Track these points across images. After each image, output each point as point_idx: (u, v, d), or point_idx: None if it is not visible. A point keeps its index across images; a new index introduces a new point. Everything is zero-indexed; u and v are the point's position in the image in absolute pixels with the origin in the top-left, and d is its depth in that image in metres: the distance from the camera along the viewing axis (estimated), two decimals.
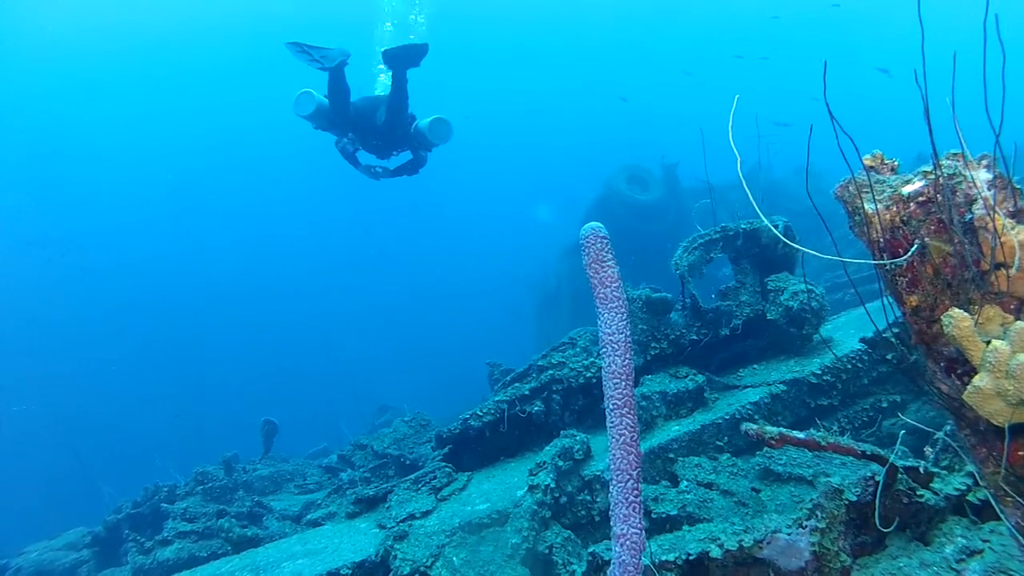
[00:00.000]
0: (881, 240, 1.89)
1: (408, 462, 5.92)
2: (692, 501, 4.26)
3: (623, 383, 2.17)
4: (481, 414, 4.99)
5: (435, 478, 4.78)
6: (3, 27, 33.69)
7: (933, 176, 1.83)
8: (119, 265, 41.27)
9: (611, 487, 2.10)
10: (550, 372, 5.13)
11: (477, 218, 46.84)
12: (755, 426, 2.64)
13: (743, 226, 5.60)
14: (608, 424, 2.16)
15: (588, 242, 2.41)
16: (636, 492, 2.07)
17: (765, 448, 4.68)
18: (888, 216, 1.89)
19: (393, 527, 4.38)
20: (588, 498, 4.33)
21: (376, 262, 42.47)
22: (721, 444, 4.66)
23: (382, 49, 7.71)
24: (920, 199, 1.86)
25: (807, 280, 5.50)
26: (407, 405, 11.35)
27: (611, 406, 2.16)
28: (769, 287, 5.43)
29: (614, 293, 2.30)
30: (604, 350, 2.24)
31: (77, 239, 40.41)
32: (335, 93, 7.97)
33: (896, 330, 4.99)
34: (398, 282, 41.05)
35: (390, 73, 8.00)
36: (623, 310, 2.28)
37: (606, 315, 2.27)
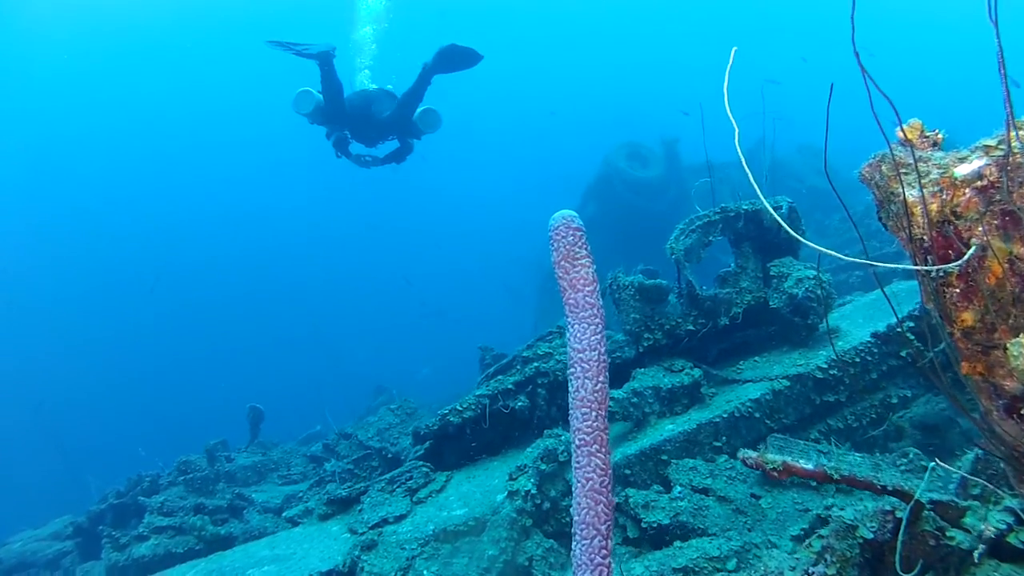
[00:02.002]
0: (925, 238, 1.40)
1: (390, 455, 5.50)
2: (686, 509, 3.81)
3: (593, 413, 1.70)
4: (461, 409, 4.55)
5: (411, 478, 4.36)
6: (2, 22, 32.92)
7: (1000, 151, 1.33)
8: (101, 249, 40.46)
9: (574, 544, 1.65)
10: (535, 364, 4.67)
11: (478, 196, 45.96)
12: (754, 454, 2.19)
13: (744, 207, 5.07)
14: (574, 464, 1.70)
15: (558, 234, 1.92)
16: (605, 552, 1.61)
17: (766, 447, 4.24)
18: (935, 206, 1.40)
19: (364, 533, 3.97)
20: None
21: (373, 241, 41.75)
22: (719, 445, 4.20)
23: (448, 43, 7.86)
24: (979, 184, 1.37)
25: (814, 264, 5.01)
26: (402, 388, 10.94)
27: (578, 442, 1.70)
28: (772, 273, 4.92)
29: (587, 299, 1.82)
30: (572, 370, 1.77)
31: (62, 225, 39.76)
32: (329, 88, 8.03)
33: (911, 323, 4.52)
34: (397, 262, 40.42)
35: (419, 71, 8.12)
36: (598, 320, 1.80)
37: (577, 326, 1.80)
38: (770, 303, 4.81)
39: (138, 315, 36.05)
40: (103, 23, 37.29)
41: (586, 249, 1.90)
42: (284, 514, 5.45)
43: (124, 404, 28.58)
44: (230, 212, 43.79)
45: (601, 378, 1.74)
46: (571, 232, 1.89)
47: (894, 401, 4.68)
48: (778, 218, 2.13)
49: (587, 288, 1.82)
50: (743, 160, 1.43)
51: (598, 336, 1.77)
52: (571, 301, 1.82)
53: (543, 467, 3.88)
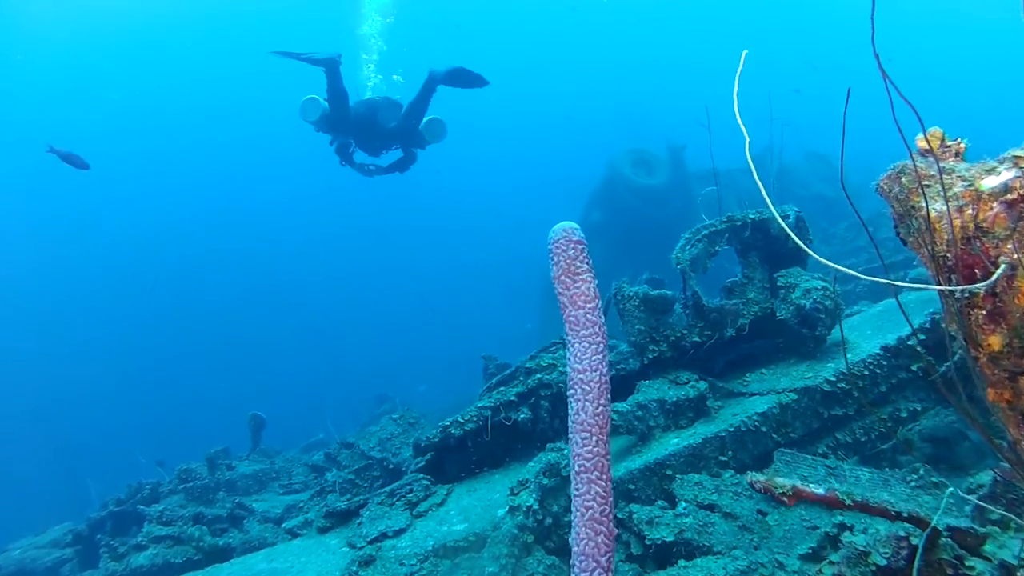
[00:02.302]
0: (949, 256, 1.30)
1: (392, 466, 5.41)
2: (691, 525, 3.70)
3: (594, 438, 1.60)
4: (462, 421, 4.45)
5: (411, 491, 4.26)
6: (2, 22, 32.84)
7: None
8: (105, 251, 40.21)
9: None
10: (538, 376, 4.57)
11: (483, 200, 45.71)
12: (763, 477, 2.08)
13: (751, 216, 4.96)
14: (573, 492, 1.60)
15: (558, 248, 1.82)
16: None
17: (773, 462, 4.12)
18: (960, 221, 1.30)
19: (362, 547, 3.88)
20: None
21: (378, 245, 41.51)
22: (724, 459, 4.08)
23: (459, 66, 8.14)
24: (1008, 198, 1.27)
25: (822, 275, 4.90)
26: (405, 396, 10.85)
27: (578, 468, 1.60)
28: (779, 283, 4.81)
29: (589, 316, 1.73)
30: (572, 392, 1.68)
31: (61, 226, 39.51)
32: (335, 96, 8.09)
33: (922, 336, 4.40)
34: (403, 266, 40.19)
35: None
36: (599, 339, 1.71)
37: (577, 345, 1.70)
38: (777, 314, 4.69)
39: (142, 318, 35.90)
40: (103, 23, 37.02)
41: (588, 263, 1.81)
42: (284, 525, 5.36)
43: (128, 409, 28.41)
44: (234, 216, 43.60)
45: (603, 400, 1.64)
46: (572, 245, 1.80)
47: (904, 415, 4.56)
48: (790, 232, 2.03)
49: (588, 305, 1.73)
50: (753, 169, 1.34)
51: (600, 356, 1.67)
52: (571, 318, 1.72)
53: (545, 482, 3.78)
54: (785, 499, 2.01)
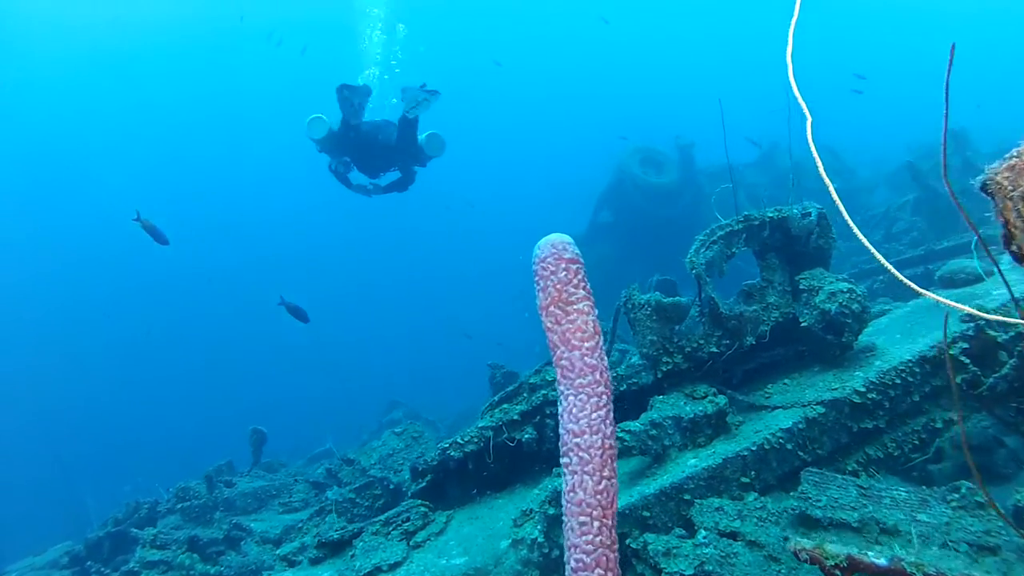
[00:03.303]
0: None
1: (392, 485, 5.01)
2: (712, 557, 3.26)
3: (596, 523, 1.18)
4: (462, 443, 4.04)
5: (408, 520, 3.86)
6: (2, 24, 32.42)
7: None
8: (106, 262, 39.51)
9: None
10: (543, 392, 4.15)
11: (490, 201, 45.00)
12: (810, 544, 1.65)
13: (769, 214, 4.51)
14: None
15: (546, 268, 1.40)
16: None
17: (800, 484, 3.68)
18: None
19: None
20: None
21: (383, 251, 40.92)
22: (747, 481, 3.65)
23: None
24: None
25: (846, 276, 4.44)
26: (416, 403, 10.46)
27: (574, 564, 1.18)
28: (801, 286, 4.35)
29: (587, 359, 1.30)
30: (567, 461, 1.25)
31: (64, 235, 39.11)
32: (351, 117, 7.99)
33: (965, 345, 3.93)
34: (410, 271, 39.63)
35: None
36: (601, 389, 1.28)
37: (572, 399, 1.27)
38: (800, 320, 4.24)
39: (153, 325, 35.55)
40: (104, 27, 36.29)
41: (585, 288, 1.37)
42: (280, 550, 4.98)
43: (137, 420, 28.08)
44: (239, 226, 43.00)
45: (606, 472, 1.21)
46: (563, 266, 1.37)
47: (939, 426, 4.10)
48: (858, 232, 1.60)
49: (587, 344, 1.30)
50: (816, 154, 0.92)
51: (602, 412, 1.24)
52: (564, 362, 1.29)
53: (551, 511, 3.36)
54: (838, 572, 1.58)
